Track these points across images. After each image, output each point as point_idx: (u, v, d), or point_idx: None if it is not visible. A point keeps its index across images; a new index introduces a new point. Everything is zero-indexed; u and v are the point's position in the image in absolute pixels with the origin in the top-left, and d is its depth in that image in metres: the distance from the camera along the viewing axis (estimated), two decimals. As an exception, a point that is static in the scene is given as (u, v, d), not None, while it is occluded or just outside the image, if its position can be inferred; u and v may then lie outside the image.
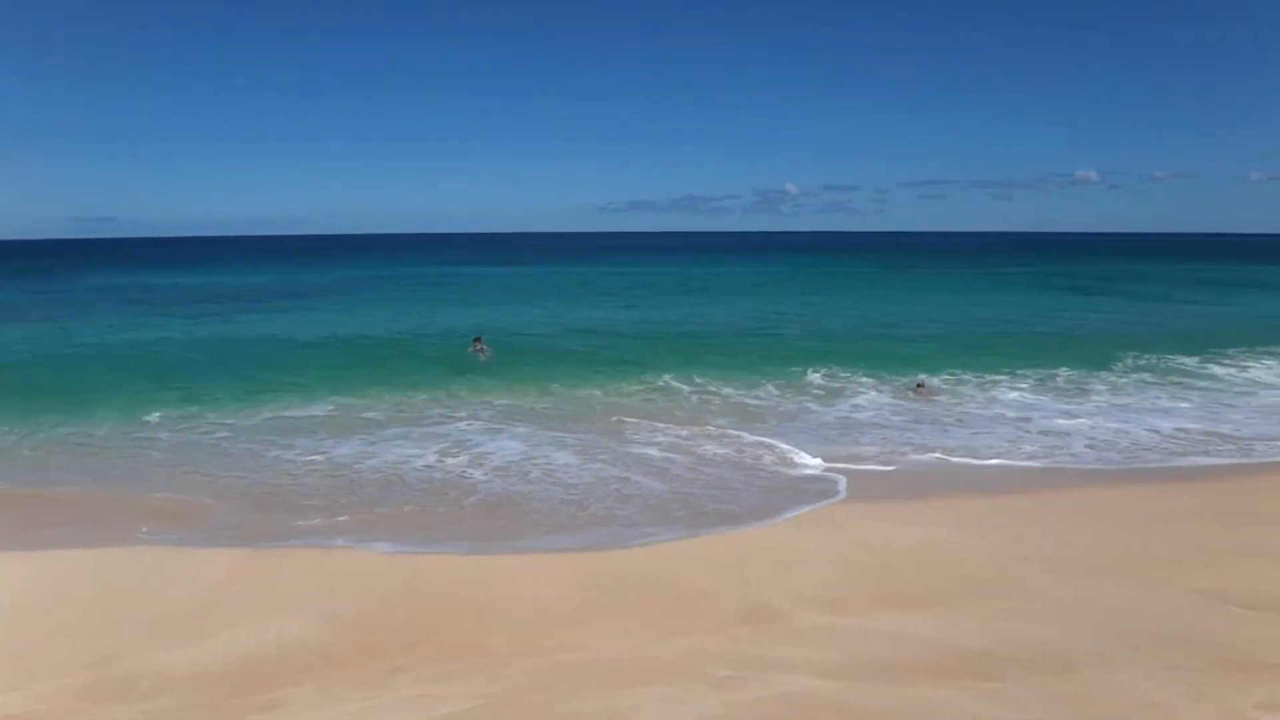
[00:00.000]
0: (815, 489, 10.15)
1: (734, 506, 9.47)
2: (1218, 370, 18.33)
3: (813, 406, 14.71)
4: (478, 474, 10.65)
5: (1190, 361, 19.27)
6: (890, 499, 9.72)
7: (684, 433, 12.71)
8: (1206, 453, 11.77)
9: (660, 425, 13.06)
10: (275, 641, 6.00)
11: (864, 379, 17.00)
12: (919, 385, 16.15)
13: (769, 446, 11.99)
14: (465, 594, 6.86)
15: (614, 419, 13.51)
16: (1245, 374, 17.73)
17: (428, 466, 10.96)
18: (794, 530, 8.57)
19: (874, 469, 11.10)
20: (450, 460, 11.23)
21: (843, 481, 10.41)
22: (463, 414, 13.83)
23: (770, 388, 16.01)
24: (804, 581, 7.00)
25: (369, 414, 13.87)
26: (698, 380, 16.41)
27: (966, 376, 17.42)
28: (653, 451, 11.73)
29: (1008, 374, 17.57)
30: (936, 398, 15.59)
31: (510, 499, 9.75)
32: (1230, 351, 20.77)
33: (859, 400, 15.21)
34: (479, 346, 19.54)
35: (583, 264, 72.19)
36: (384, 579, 7.18)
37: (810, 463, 11.22)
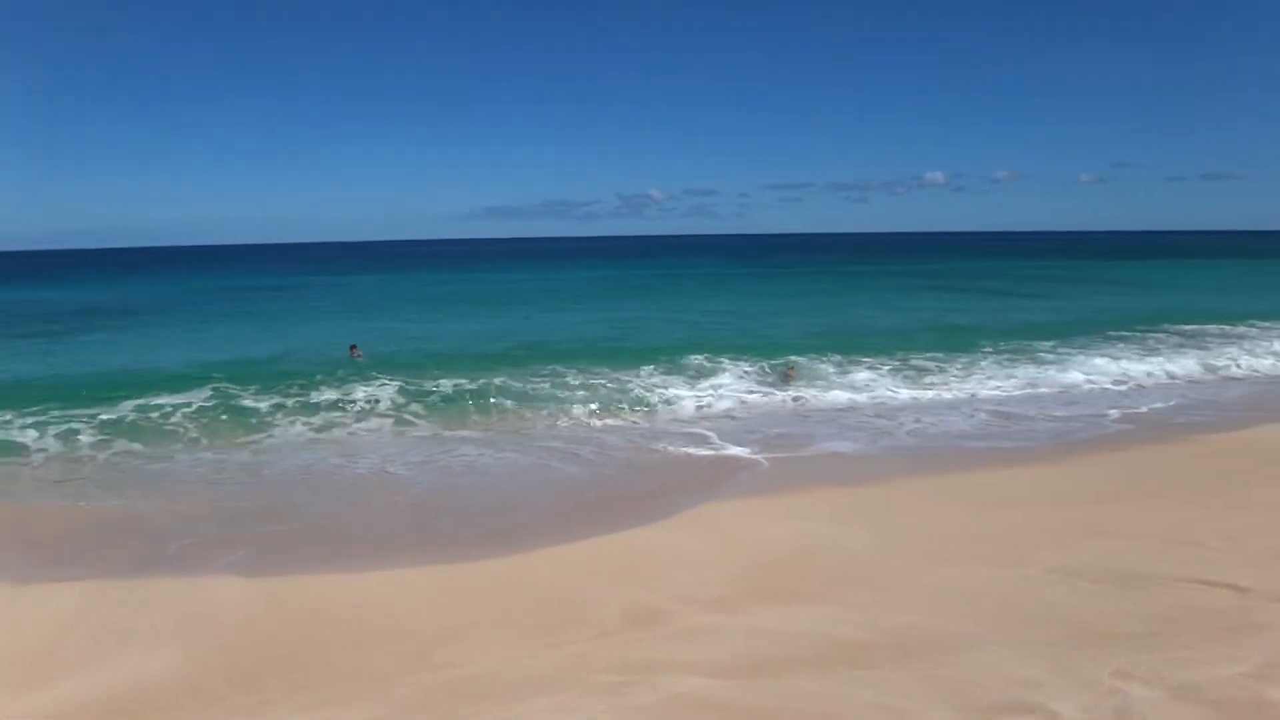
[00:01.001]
0: (695, 486, 10.28)
1: (617, 508, 9.48)
2: (1074, 358, 19.51)
3: (686, 400, 14.91)
4: (354, 482, 10.33)
5: (1046, 350, 20.59)
6: (766, 494, 9.94)
7: (570, 436, 12.67)
8: (1057, 437, 12.54)
9: (549, 430, 12.96)
10: (133, 680, 5.60)
11: (739, 368, 17.40)
12: (789, 371, 16.75)
13: (656, 440, 12.10)
14: (345, 614, 6.59)
15: (504, 424, 13.33)
16: (1092, 361, 18.94)
17: (303, 474, 10.55)
18: (675, 530, 8.62)
19: (753, 459, 11.35)
20: (330, 471, 10.86)
21: (722, 477, 10.59)
22: (340, 427, 13.42)
23: (650, 380, 16.07)
24: (687, 582, 7.05)
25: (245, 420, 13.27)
26: (580, 383, 16.32)
27: (832, 369, 17.96)
28: (539, 457, 11.63)
29: (876, 365, 18.26)
30: (800, 382, 16.11)
31: (393, 508, 9.49)
32: (1077, 340, 22.41)
33: (730, 393, 15.50)
34: (356, 354, 18.92)
35: (447, 271, 71.05)
36: (253, 604, 6.82)
37: (690, 453, 11.40)
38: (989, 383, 16.71)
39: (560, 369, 17.40)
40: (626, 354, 19.57)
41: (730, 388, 15.78)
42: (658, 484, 10.54)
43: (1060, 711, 4.22)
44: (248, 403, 14.29)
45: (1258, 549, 7.13)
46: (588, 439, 12.65)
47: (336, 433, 13.05)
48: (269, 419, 13.57)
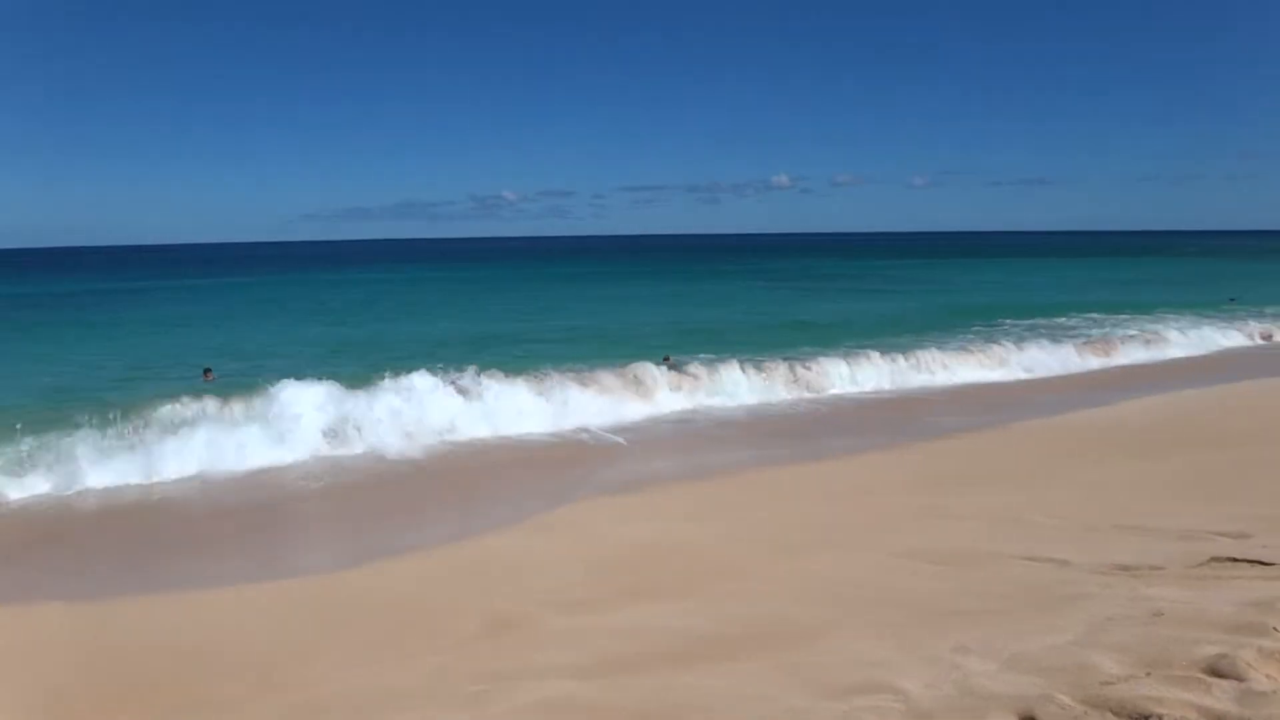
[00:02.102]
0: (550, 488, 10.25)
1: (470, 514, 9.33)
2: (920, 353, 20.46)
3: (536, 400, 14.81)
4: (193, 496, 9.77)
5: (894, 345, 21.58)
6: (623, 493, 10.02)
7: (431, 442, 12.36)
8: (902, 427, 13.16)
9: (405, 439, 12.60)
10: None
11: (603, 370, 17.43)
12: (666, 358, 16.98)
13: (514, 442, 12.00)
14: (184, 639, 6.21)
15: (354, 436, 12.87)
16: (936, 353, 19.95)
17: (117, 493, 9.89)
18: (531, 534, 8.57)
19: (608, 459, 11.41)
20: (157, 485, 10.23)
21: (578, 479, 10.59)
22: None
23: (510, 381, 15.86)
24: (545, 585, 7.01)
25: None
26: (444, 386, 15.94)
27: (701, 368, 18.24)
28: (391, 464, 11.32)
29: (741, 358, 18.68)
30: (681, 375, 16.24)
31: (230, 521, 9.03)
32: (932, 334, 23.69)
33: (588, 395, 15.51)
34: (209, 378, 17.25)
35: (295, 274, 68.28)
36: (75, 634, 6.33)
37: (545, 456, 11.34)
38: (840, 378, 17.37)
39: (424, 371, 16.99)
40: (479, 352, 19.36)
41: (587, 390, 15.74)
42: (513, 487, 10.45)
43: (907, 688, 4.41)
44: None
45: (1078, 525, 7.68)
46: (437, 442, 12.44)
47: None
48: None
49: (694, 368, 16.30)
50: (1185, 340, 23.27)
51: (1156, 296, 38.20)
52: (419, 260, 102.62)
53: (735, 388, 16.10)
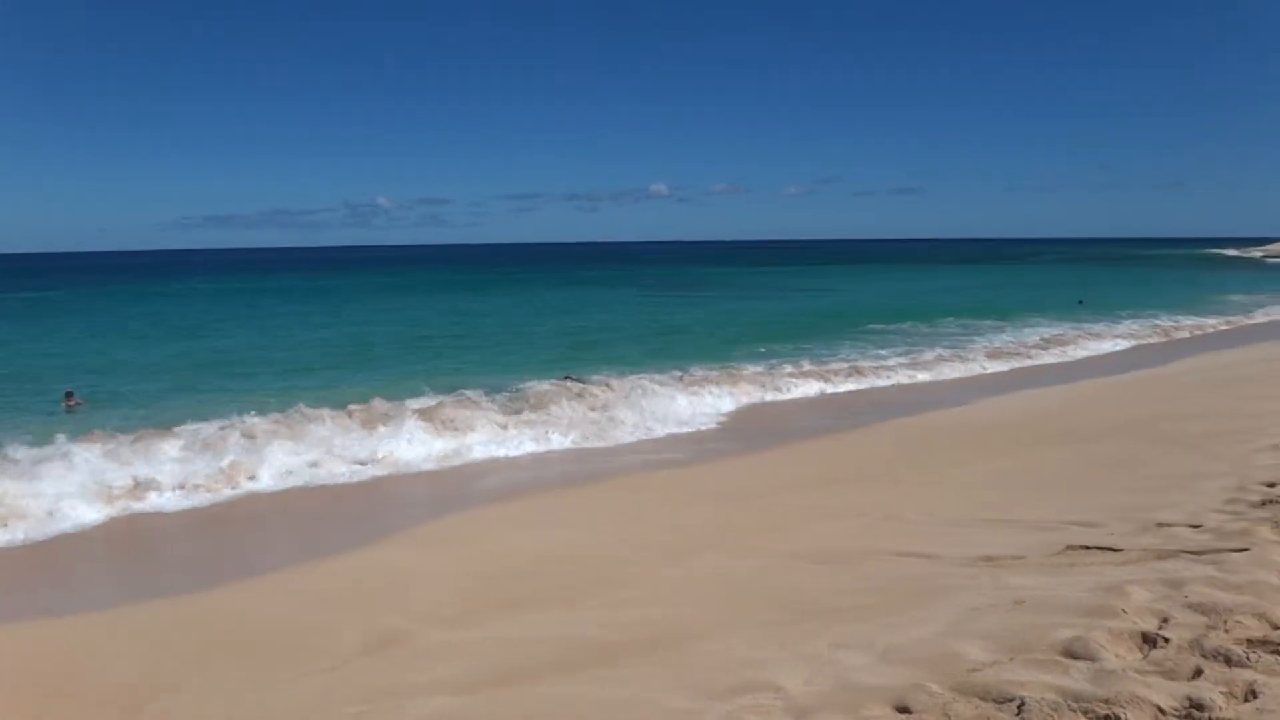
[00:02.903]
0: (428, 499, 10.07)
1: (346, 526, 9.07)
2: (801, 355, 20.98)
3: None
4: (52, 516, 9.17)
5: (771, 350, 22.14)
6: (503, 502, 9.93)
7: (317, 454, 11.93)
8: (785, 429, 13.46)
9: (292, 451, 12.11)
10: None
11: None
12: (567, 376, 16.99)
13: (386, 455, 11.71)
14: (40, 671, 5.82)
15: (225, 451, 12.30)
16: (814, 356, 20.53)
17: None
18: (409, 546, 8.39)
19: (486, 466, 11.28)
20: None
21: (457, 487, 10.45)
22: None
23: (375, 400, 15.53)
24: (426, 599, 6.87)
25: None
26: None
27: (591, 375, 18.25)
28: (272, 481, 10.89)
29: (642, 368, 18.83)
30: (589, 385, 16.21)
31: (93, 542, 8.53)
32: (808, 340, 24.42)
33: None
34: (71, 402, 16.02)
35: (155, 283, 65.03)
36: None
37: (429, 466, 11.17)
38: (719, 381, 17.66)
39: (294, 390, 16.49)
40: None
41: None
42: (391, 500, 10.22)
43: (786, 685, 4.52)
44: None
45: (947, 520, 8.02)
46: (312, 449, 12.04)
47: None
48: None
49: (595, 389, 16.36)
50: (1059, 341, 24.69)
51: (1016, 300, 40.64)
52: (280, 269, 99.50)
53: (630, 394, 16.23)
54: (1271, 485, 7.39)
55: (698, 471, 11.18)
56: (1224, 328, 28.65)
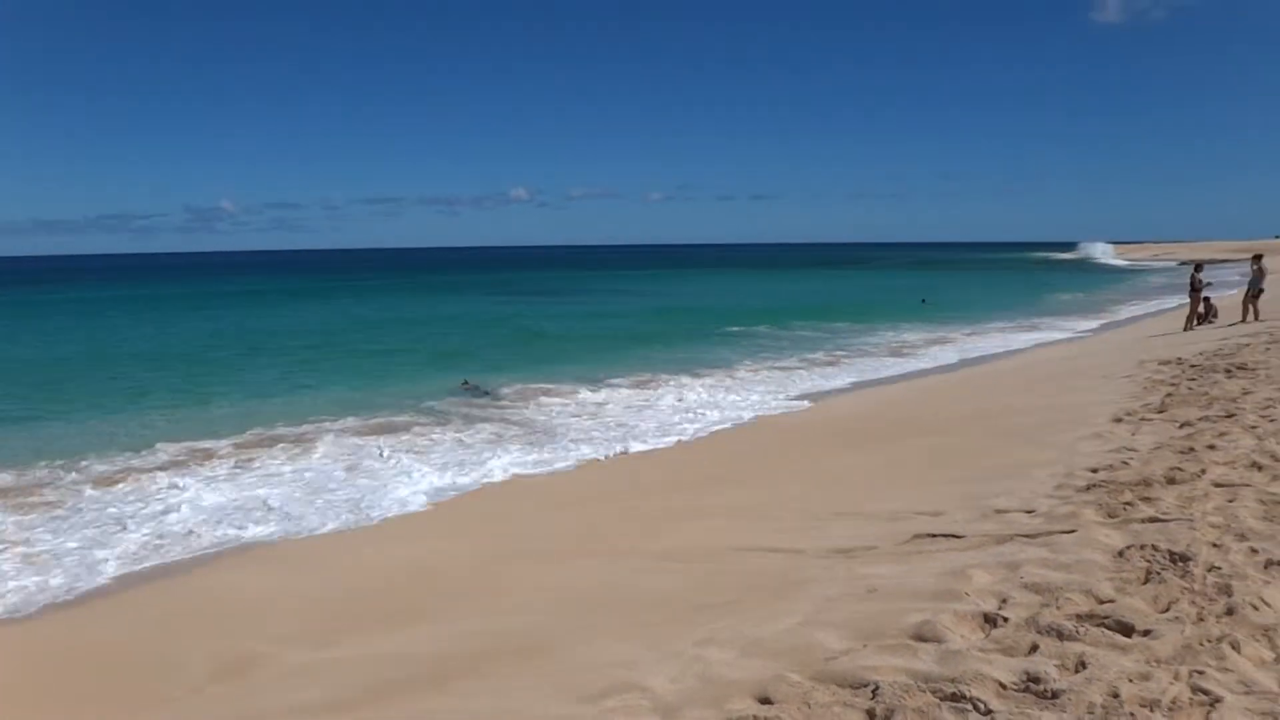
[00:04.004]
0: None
1: (189, 548, 8.61)
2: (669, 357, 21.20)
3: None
4: None
5: (647, 352, 22.30)
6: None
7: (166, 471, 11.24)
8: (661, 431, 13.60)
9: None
10: None
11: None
12: (465, 382, 16.95)
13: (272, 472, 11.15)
14: None
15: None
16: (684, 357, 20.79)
17: None
18: (269, 565, 8.06)
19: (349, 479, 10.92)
20: None
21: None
22: None
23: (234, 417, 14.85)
24: (286, 620, 6.62)
25: None
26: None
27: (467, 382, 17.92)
28: (82, 500, 10.19)
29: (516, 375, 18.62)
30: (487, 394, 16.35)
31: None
32: (674, 343, 24.60)
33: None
34: None
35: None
36: None
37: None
38: (587, 386, 17.74)
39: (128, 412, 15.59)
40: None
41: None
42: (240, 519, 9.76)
43: (653, 685, 4.57)
44: None
45: (804, 515, 8.30)
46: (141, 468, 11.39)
47: None
48: None
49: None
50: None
51: (865, 302, 42.55)
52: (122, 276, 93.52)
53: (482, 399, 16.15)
54: (1095, 471, 7.98)
55: (567, 478, 11.19)
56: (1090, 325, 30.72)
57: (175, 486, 10.68)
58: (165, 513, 9.63)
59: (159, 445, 12.61)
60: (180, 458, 12.12)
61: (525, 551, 8.05)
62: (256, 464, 11.80)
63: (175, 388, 18.29)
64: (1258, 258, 23.82)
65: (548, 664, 5.30)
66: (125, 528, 9.17)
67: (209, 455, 12.31)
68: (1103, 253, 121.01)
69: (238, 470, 11.49)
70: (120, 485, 10.83)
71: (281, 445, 12.85)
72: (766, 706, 4.09)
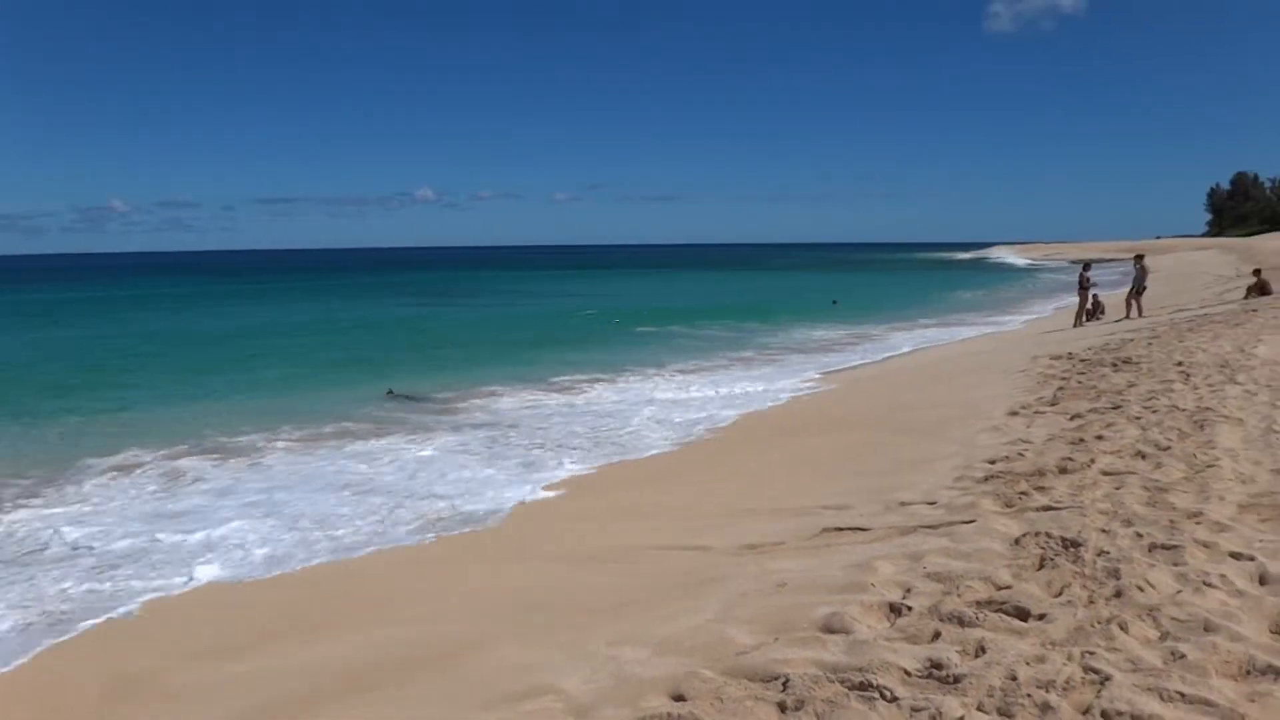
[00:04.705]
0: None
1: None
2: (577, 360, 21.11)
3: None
4: None
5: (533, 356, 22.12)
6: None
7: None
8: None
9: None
10: None
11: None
12: (390, 391, 16.64)
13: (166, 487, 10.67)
14: None
15: None
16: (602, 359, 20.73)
17: None
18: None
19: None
20: None
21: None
22: None
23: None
24: (176, 636, 6.36)
25: None
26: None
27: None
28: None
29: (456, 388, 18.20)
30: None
31: None
32: (586, 347, 24.55)
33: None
34: None
35: None
36: None
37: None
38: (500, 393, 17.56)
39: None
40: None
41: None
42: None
43: (566, 687, 4.55)
44: None
45: (715, 512, 8.38)
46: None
47: None
48: None
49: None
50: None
51: (775, 302, 43.24)
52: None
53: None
54: (992, 462, 8.26)
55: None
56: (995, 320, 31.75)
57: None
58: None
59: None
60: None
61: (442, 558, 7.93)
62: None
63: (61, 408, 16.81)
64: (1139, 257, 25.14)
65: (457, 671, 5.22)
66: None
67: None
68: (1002, 253, 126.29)
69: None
70: None
71: (214, 457, 12.28)
72: (680, 704, 4.10)
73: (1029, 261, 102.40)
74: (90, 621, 6.69)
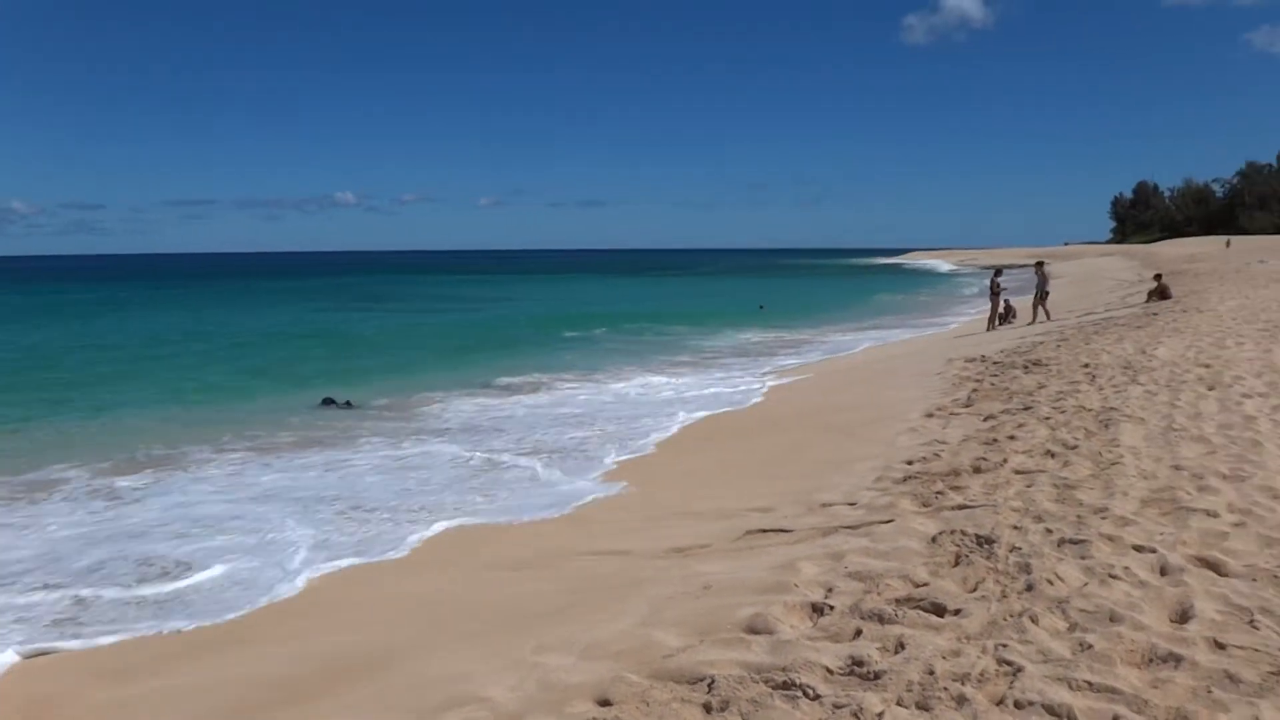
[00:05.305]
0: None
1: None
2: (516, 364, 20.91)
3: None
4: None
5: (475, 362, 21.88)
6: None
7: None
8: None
9: None
10: None
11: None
12: (325, 400, 16.23)
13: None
14: None
15: None
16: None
17: None
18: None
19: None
20: None
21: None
22: None
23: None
24: (80, 652, 6.12)
25: None
26: None
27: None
28: None
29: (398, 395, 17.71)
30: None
31: None
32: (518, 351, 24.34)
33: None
34: None
35: None
36: None
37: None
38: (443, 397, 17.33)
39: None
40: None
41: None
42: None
43: (492, 695, 4.51)
44: None
45: (641, 516, 8.42)
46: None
47: None
48: None
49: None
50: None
51: (702, 307, 43.58)
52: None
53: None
54: (910, 463, 8.47)
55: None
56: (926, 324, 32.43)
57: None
58: None
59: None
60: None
61: (371, 568, 7.78)
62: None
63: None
64: (1040, 264, 26.18)
65: (378, 682, 5.14)
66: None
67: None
68: (921, 259, 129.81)
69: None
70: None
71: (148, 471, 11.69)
72: (606, 708, 4.11)
73: (953, 266, 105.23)
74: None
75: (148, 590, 7.36)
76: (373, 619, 6.44)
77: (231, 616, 6.71)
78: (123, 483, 10.99)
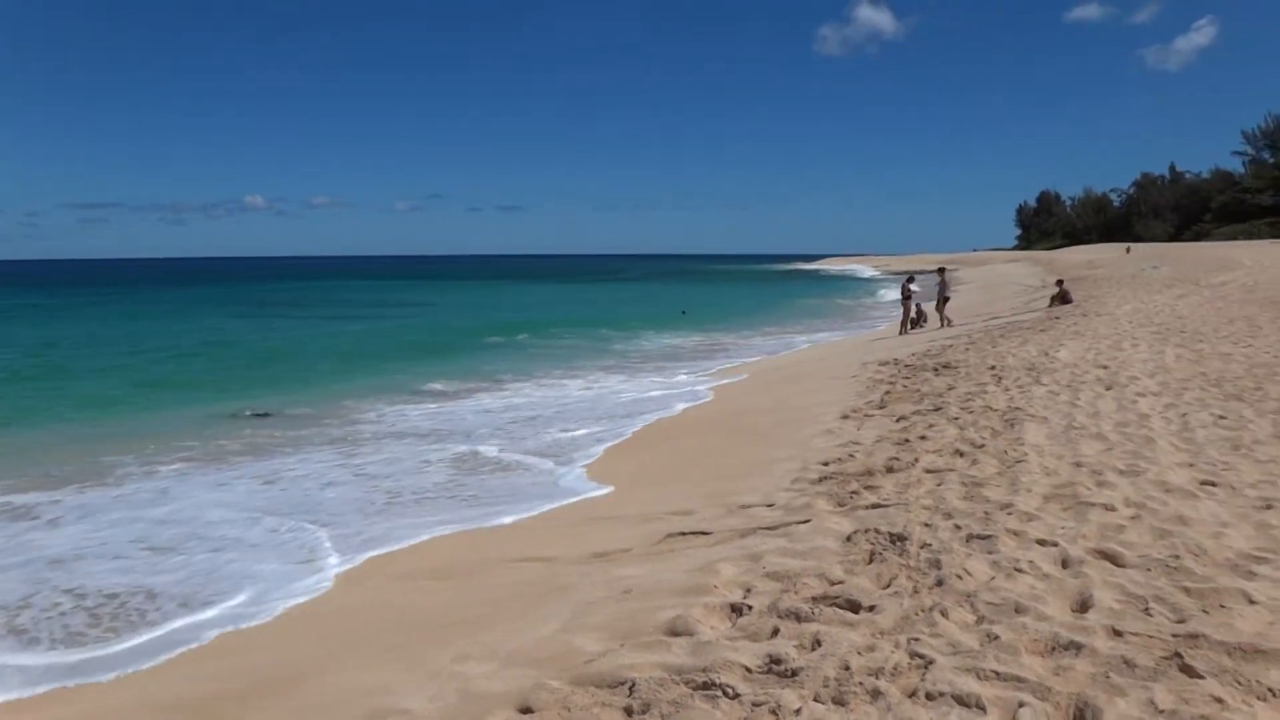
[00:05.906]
0: None
1: None
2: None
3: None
4: None
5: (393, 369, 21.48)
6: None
7: None
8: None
9: None
10: None
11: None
12: (249, 412, 15.79)
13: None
14: None
15: None
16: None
17: None
18: None
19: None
20: None
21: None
22: None
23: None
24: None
25: None
26: None
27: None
28: None
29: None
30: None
31: None
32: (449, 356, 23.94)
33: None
34: None
35: None
36: None
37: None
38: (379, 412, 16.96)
39: None
40: None
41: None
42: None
43: (411, 707, 4.45)
44: None
45: (569, 522, 8.42)
46: None
47: None
48: None
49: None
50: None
51: (624, 312, 43.68)
52: None
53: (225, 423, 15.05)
54: (826, 464, 8.65)
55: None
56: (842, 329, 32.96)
57: None
58: None
59: None
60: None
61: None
62: None
63: None
64: (940, 270, 27.04)
65: (306, 696, 5.02)
66: None
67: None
68: (837, 264, 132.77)
69: None
70: None
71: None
72: (527, 715, 4.10)
73: (873, 272, 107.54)
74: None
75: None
76: (288, 635, 6.29)
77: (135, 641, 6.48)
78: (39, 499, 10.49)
